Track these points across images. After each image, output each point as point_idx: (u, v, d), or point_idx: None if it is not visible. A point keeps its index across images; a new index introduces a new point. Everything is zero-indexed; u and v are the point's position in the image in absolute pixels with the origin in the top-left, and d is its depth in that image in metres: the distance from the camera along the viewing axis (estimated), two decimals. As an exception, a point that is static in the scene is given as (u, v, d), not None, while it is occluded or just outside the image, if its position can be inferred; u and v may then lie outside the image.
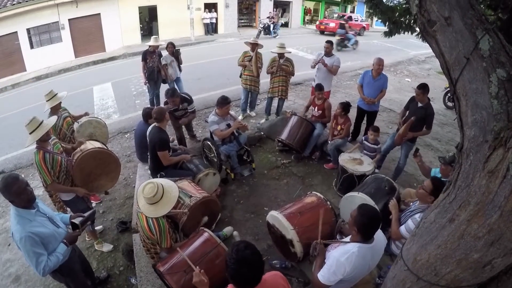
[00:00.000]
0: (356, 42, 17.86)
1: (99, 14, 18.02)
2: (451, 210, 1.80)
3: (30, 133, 3.47)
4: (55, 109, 4.66)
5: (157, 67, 7.73)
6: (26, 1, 15.40)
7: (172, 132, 6.23)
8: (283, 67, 6.90)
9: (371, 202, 3.68)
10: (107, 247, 4.47)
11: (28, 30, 16.33)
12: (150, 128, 4.57)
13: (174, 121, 6.03)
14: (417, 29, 7.02)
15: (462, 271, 1.78)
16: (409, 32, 7.38)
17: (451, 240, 1.78)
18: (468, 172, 1.72)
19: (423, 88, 4.91)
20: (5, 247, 4.79)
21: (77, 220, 3.01)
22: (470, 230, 1.69)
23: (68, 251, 2.94)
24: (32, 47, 16.73)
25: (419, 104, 5.03)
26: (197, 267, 2.46)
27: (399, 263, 2.17)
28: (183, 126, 6.40)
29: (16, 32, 16.00)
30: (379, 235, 2.65)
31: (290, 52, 7.16)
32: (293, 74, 7.18)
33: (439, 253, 1.85)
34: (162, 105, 8.18)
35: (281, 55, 6.91)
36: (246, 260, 1.85)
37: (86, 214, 3.14)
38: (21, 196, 2.61)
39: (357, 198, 3.90)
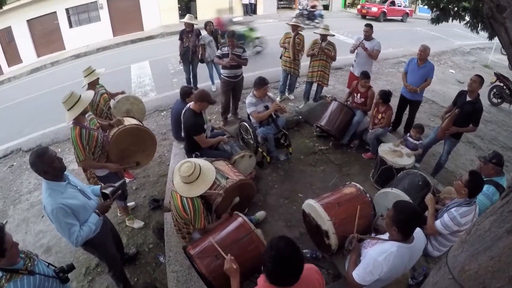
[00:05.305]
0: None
1: (137, -7, 18.18)
2: (509, 220, 1.63)
3: (69, 110, 3.44)
4: (93, 85, 4.68)
5: (193, 47, 7.68)
6: (65, -18, 15.80)
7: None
8: (325, 50, 6.61)
9: (406, 198, 3.52)
10: (138, 224, 4.54)
11: (67, 10, 16.92)
12: (184, 110, 4.48)
13: (224, 83, 6.36)
14: (467, 17, 6.66)
15: (513, 289, 1.61)
16: (458, 21, 6.96)
17: (507, 253, 1.61)
18: (533, 178, 1.54)
19: (482, 77, 4.66)
20: (39, 218, 4.97)
21: (107, 190, 3.05)
22: (530, 244, 1.51)
23: (100, 221, 2.96)
24: (71, 26, 17.35)
25: (468, 98, 4.75)
26: (229, 254, 2.41)
27: (442, 270, 2.02)
28: (231, 95, 6.57)
29: (55, 12, 16.64)
30: (419, 234, 2.51)
31: (334, 35, 6.90)
32: (334, 59, 6.90)
33: (491, 265, 1.68)
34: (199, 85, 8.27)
35: (323, 37, 6.63)
36: (288, 260, 1.76)
37: (116, 184, 3.18)
38: (53, 164, 2.60)
39: (391, 194, 3.73)
